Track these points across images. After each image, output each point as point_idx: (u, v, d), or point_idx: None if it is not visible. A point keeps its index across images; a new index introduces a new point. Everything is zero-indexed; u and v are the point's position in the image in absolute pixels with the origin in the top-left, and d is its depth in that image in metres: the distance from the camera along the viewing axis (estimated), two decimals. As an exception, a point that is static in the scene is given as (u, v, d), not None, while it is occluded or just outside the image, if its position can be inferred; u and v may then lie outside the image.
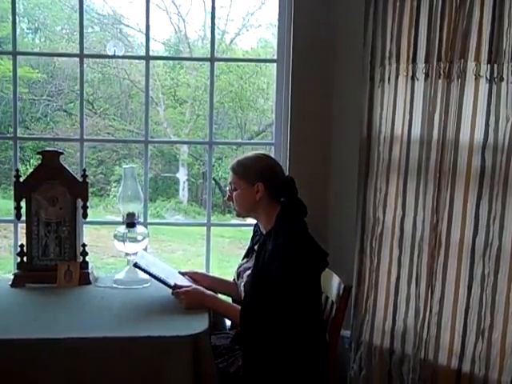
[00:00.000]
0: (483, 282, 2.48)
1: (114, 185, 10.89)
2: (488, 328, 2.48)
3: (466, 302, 2.54)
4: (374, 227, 2.79)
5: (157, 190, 11.37)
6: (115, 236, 2.64)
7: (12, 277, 2.60)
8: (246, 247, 2.50)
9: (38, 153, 2.65)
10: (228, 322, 2.52)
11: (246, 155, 2.34)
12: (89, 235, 3.03)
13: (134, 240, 2.63)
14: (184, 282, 2.42)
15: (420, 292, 2.64)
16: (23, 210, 2.63)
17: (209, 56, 3.03)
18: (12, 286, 2.57)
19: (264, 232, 2.28)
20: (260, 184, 2.24)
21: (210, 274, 2.83)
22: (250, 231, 2.52)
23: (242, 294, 2.27)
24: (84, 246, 2.67)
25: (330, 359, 2.22)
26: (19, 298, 2.46)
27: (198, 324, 2.10)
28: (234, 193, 2.30)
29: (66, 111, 11.43)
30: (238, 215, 2.37)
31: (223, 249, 8.93)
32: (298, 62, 2.92)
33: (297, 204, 2.25)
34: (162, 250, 8.75)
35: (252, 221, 2.43)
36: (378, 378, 2.80)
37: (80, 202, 2.64)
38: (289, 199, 2.25)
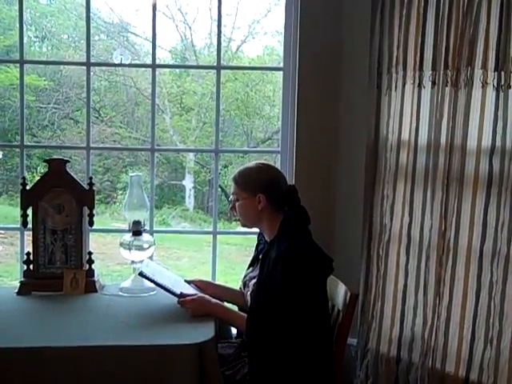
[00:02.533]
0: (491, 290, 2.46)
1: (120, 192, 10.90)
2: (496, 336, 2.46)
3: (473, 310, 2.52)
4: (381, 234, 2.78)
5: (163, 198, 11.37)
6: (121, 244, 2.63)
7: (18, 284, 2.60)
8: (252, 255, 2.49)
9: (45, 161, 2.66)
10: (234, 331, 2.51)
11: (248, 165, 2.33)
12: (95, 242, 3.03)
13: (140, 248, 2.62)
14: (189, 290, 2.41)
15: (427, 299, 2.63)
16: (30, 218, 2.63)
17: (215, 64, 3.04)
18: (18, 293, 2.56)
19: (268, 241, 2.28)
20: (261, 195, 2.23)
21: (216, 282, 2.82)
22: (255, 239, 2.51)
23: (249, 302, 2.26)
24: (90, 253, 2.66)
25: (337, 367, 2.21)
26: (25, 305, 2.45)
27: (204, 332, 2.09)
28: (237, 203, 2.30)
29: (72, 119, 11.46)
30: (244, 225, 2.38)
31: (229, 256, 8.92)
32: (304, 70, 2.92)
33: (300, 213, 2.25)
34: (167, 258, 8.73)
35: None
36: (384, 386, 2.79)
37: (86, 210, 2.64)
38: (291, 209, 2.24)
